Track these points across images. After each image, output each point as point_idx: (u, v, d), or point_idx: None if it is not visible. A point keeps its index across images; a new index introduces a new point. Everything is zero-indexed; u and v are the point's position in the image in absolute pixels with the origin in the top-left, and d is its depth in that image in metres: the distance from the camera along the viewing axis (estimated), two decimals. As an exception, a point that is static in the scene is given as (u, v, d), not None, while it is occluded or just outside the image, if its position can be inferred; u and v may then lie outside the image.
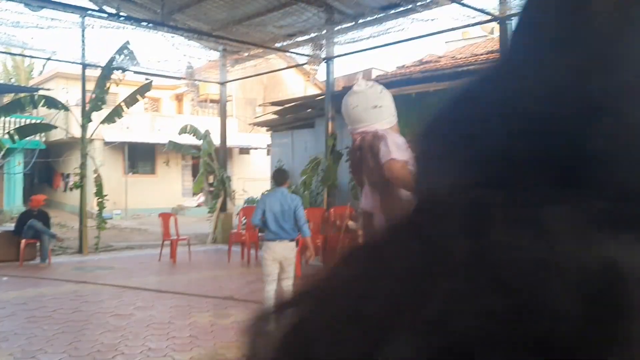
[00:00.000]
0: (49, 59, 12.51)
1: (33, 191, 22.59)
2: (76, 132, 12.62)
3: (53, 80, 22.81)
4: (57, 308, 6.91)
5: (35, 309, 6.88)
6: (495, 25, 15.81)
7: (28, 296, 7.60)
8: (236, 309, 7.00)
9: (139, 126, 22.24)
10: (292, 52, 12.89)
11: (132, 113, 21.77)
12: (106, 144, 21.13)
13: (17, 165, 20.82)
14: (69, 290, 8.07)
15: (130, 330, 5.96)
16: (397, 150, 1.59)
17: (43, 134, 20.80)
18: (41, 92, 13.99)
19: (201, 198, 22.57)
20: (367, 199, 1.71)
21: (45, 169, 23.81)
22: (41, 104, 11.14)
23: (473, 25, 9.68)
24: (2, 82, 24.99)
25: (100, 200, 11.62)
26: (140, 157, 22.84)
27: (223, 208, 13.85)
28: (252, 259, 10.91)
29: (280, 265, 5.83)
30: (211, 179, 14.55)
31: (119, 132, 20.92)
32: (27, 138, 17.07)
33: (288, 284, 6.00)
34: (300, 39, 12.07)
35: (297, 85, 27.49)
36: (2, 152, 18.27)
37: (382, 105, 1.65)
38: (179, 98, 26.81)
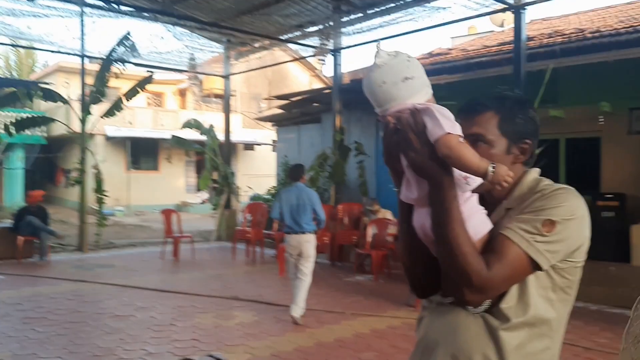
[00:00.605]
0: (46, 50, 12.16)
1: (34, 187, 22.36)
2: (77, 126, 12.29)
3: (54, 75, 22.52)
4: (53, 308, 6.61)
5: (31, 309, 6.57)
6: (505, 18, 15.43)
7: (24, 295, 7.30)
8: (241, 310, 6.68)
9: (141, 121, 21.96)
10: (298, 44, 12.52)
11: (134, 108, 21.53)
12: (108, 139, 20.85)
13: (17, 161, 20.54)
14: (66, 289, 7.77)
15: (129, 333, 5.64)
16: (449, 123, 1.26)
17: (44, 129, 20.56)
18: (41, 86, 13.71)
19: (205, 194, 22.29)
20: (410, 189, 1.37)
21: (47, 164, 23.53)
22: (38, 96, 10.81)
23: (487, 14, 9.29)
24: (1, 76, 24.66)
25: (99, 196, 11.29)
26: (142, 153, 22.53)
27: (227, 205, 13.53)
28: (257, 257, 10.61)
29: (299, 256, 6.23)
30: (215, 175, 14.24)
31: (121, 127, 20.64)
32: (28, 133, 16.88)
33: (304, 270, 6.20)
34: (307, 30, 11.73)
35: (302, 81, 27.12)
36: (3, 148, 18.03)
37: (414, 76, 1.30)
38: (182, 93, 26.50)
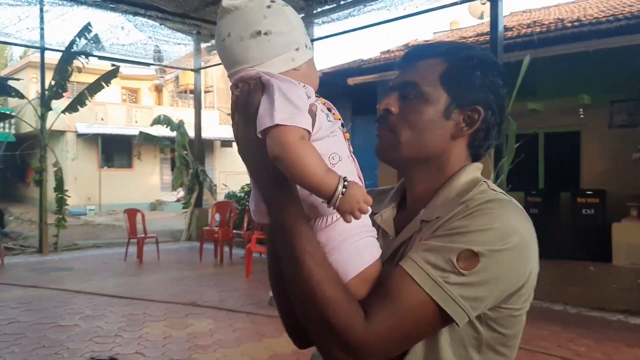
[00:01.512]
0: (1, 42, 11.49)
1: (4, 185, 21.66)
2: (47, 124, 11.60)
3: (24, 70, 21.81)
4: (-8, 318, 6.09)
5: (-33, 319, 6.05)
6: (485, 10, 15.06)
7: (-37, 304, 6.77)
8: (197, 318, 6.21)
9: (114, 118, 21.31)
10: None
11: (106, 104, 20.91)
12: (79, 136, 20.17)
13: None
14: (14, 296, 7.23)
15: (67, 346, 5.15)
16: (289, 109, 0.84)
17: (12, 126, 19.91)
18: (10, 82, 13.08)
19: (180, 192, 21.74)
20: (253, 201, 0.94)
21: (18, 162, 22.80)
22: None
23: (463, 2, 8.87)
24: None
25: (60, 195, 10.72)
26: (115, 150, 21.85)
27: (198, 203, 13.02)
28: (225, 258, 10.14)
29: None
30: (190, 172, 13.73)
31: (93, 124, 20.01)
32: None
33: None
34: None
35: (281, 76, 26.63)
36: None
37: (271, 31, 0.89)
38: (158, 89, 25.86)
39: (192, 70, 13.50)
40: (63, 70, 10.57)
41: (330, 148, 0.91)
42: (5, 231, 9.81)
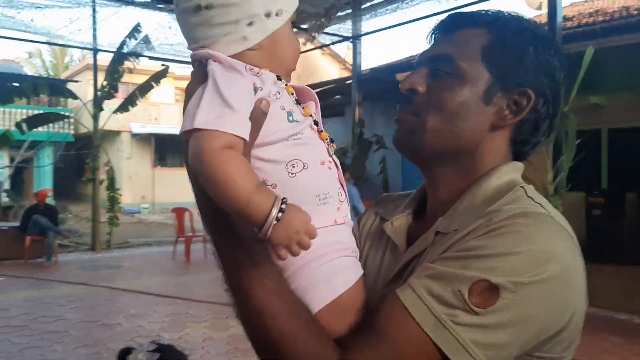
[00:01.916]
0: (55, 44, 11.84)
1: (64, 184, 22.50)
2: (100, 123, 11.88)
3: (83, 73, 22.54)
4: (39, 315, 6.17)
5: (16, 315, 6.17)
6: (543, 0, 14.40)
7: (14, 300, 6.94)
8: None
9: (167, 118, 21.73)
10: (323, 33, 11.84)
11: (159, 104, 21.35)
12: (133, 136, 20.70)
13: (46, 158, 20.65)
14: (63, 293, 7.37)
15: (108, 346, 5.14)
16: (218, 108, 0.66)
17: (72, 127, 20.65)
18: (69, 84, 13.54)
19: (231, 191, 22.01)
20: None
21: (77, 161, 23.66)
22: (44, 93, 10.42)
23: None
24: (31, 74, 24.82)
25: (112, 194, 10.93)
26: (169, 150, 22.29)
27: (246, 202, 13.03)
28: (271, 258, 10.06)
29: None
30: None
31: (147, 124, 20.48)
32: (52, 131, 16.88)
33: None
34: (330, 16, 11.04)
35: (333, 74, 26.43)
36: (26, 145, 18.09)
37: (213, 5, 0.70)
38: (210, 89, 26.30)
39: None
40: (114, 71, 10.76)
41: (289, 154, 0.73)
42: (59, 229, 10.06)
